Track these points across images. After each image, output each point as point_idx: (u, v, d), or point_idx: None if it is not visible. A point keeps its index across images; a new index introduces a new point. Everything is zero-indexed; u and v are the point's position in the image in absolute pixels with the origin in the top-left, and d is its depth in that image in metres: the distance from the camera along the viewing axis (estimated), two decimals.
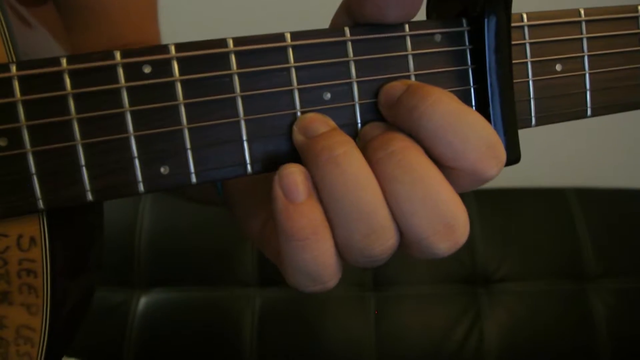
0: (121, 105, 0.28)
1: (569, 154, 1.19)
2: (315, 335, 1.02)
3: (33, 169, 0.28)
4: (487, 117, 0.32)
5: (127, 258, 1.08)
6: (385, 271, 1.06)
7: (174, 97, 0.29)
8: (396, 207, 0.28)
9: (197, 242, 1.08)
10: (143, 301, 1.04)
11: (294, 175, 0.28)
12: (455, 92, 0.32)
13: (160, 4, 0.63)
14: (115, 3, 0.56)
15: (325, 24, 0.35)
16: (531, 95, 0.34)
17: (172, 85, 0.29)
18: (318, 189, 0.28)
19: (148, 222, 1.09)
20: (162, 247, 1.09)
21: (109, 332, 1.03)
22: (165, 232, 1.09)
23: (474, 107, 0.32)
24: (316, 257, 0.28)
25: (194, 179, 0.30)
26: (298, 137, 0.30)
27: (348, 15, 0.32)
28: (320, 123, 0.30)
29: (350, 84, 0.31)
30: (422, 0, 0.31)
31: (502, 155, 0.29)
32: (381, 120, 0.31)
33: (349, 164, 0.28)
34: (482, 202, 1.12)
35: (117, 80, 0.28)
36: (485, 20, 0.31)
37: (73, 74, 0.28)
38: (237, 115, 0.30)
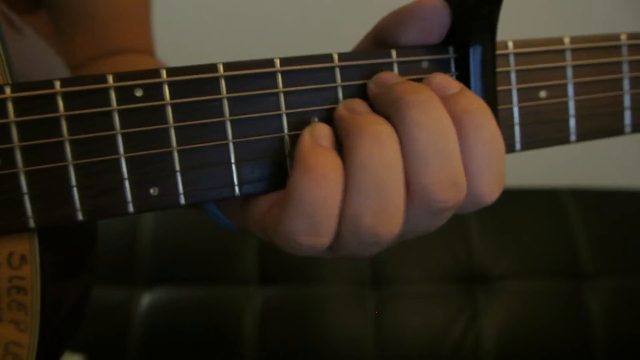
0: (113, 128, 0.29)
1: (565, 155, 1.20)
2: (315, 333, 1.03)
3: (25, 189, 0.28)
4: None
5: (129, 256, 1.08)
6: (384, 269, 1.07)
7: (164, 120, 0.30)
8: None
9: (198, 241, 1.09)
10: (145, 299, 1.05)
11: (324, 129, 0.31)
12: None
13: (163, 11, 0.63)
14: (107, 7, 0.57)
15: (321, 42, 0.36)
16: (516, 121, 0.34)
17: (163, 108, 0.29)
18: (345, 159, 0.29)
19: (150, 221, 1.10)
20: (163, 246, 1.09)
21: (111, 330, 1.03)
22: (167, 230, 1.10)
23: None
24: (324, 198, 0.29)
25: (182, 200, 0.30)
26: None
27: (373, 38, 0.34)
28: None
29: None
30: (444, 22, 0.32)
31: (503, 186, 0.31)
32: None
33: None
34: None
35: (109, 103, 0.29)
36: (471, 48, 0.31)
37: (66, 96, 0.28)
38: (226, 138, 0.30)
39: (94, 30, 0.56)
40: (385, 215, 0.29)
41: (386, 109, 0.30)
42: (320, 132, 0.30)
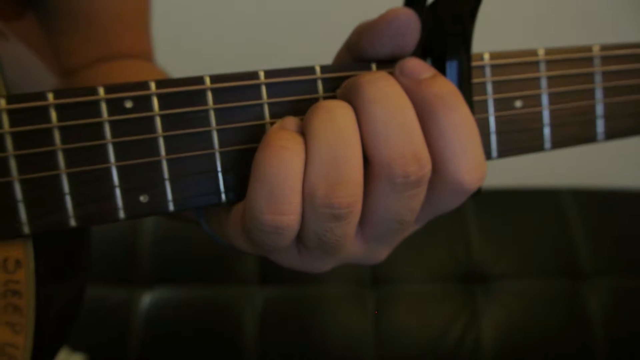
0: (104, 138, 0.30)
1: (565, 155, 1.20)
2: (315, 333, 1.03)
3: (19, 196, 0.30)
4: None
5: (130, 256, 1.08)
6: (384, 269, 1.07)
7: (153, 130, 0.31)
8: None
9: (199, 241, 1.09)
10: (145, 299, 1.05)
11: (293, 118, 0.31)
12: None
13: (163, 12, 0.64)
14: (107, 11, 0.58)
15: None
16: (492, 130, 0.35)
17: (152, 119, 0.31)
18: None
19: (150, 221, 1.11)
20: (164, 246, 1.10)
21: (111, 330, 1.04)
22: (167, 230, 1.10)
23: None
24: (284, 169, 0.29)
25: (171, 207, 0.32)
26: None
27: (349, 53, 0.35)
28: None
29: None
30: (417, 36, 0.33)
31: (485, 175, 0.32)
32: None
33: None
34: (479, 202, 1.12)
35: (100, 114, 0.30)
36: (447, 61, 0.33)
37: (58, 107, 0.30)
38: (212, 147, 0.32)
39: (93, 32, 0.58)
40: (340, 186, 0.29)
41: (347, 98, 0.31)
42: (288, 120, 0.31)
